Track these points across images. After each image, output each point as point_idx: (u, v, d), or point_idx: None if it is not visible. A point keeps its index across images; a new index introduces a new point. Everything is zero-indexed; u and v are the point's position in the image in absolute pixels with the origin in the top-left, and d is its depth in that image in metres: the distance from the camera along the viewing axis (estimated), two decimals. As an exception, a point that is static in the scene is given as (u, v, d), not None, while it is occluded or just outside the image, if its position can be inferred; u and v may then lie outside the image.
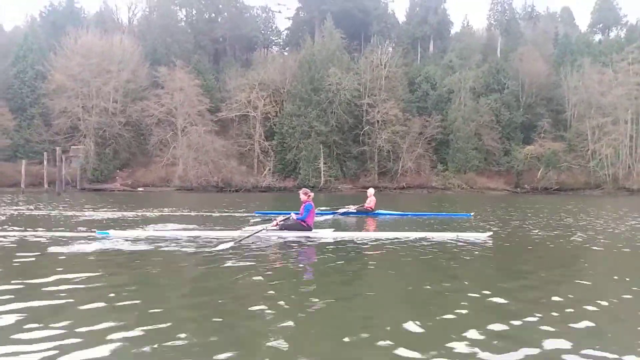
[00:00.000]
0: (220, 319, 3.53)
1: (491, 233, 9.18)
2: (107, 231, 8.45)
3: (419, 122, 55.86)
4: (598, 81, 52.37)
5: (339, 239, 8.36)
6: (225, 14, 74.95)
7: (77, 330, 3.20)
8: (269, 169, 54.23)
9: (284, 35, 79.46)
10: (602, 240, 8.74)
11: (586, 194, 47.85)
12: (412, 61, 70.60)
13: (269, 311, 3.71)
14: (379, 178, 55.47)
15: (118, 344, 2.96)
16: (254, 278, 5.00)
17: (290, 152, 54.67)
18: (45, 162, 41.62)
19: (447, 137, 57.10)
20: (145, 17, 71.02)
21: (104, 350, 2.85)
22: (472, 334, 3.20)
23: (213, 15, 75.37)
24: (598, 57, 59.60)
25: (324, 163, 53.04)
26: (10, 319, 3.44)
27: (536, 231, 10.51)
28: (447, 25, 70.20)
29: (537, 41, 70.84)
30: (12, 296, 4.08)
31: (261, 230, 8.61)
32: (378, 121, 54.92)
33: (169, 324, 3.35)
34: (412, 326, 3.35)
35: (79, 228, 9.87)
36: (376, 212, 15.01)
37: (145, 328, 3.25)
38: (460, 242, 8.12)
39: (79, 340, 3.01)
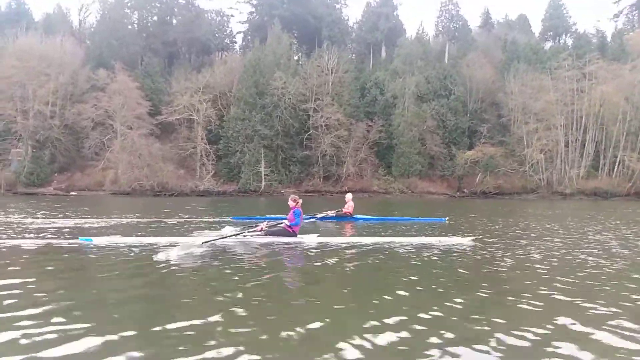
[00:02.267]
0: (189, 321, 3.65)
1: (472, 238, 9.36)
2: (90, 238, 8.52)
3: (362, 127, 56.11)
4: (537, 87, 53.21)
5: (322, 244, 8.56)
6: (180, 17, 74.55)
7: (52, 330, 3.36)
8: (210, 173, 53.87)
9: (240, 40, 79.49)
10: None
11: (521, 198, 48.43)
12: (366, 66, 71.21)
13: (240, 314, 3.89)
14: (323, 182, 55.59)
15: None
16: (228, 283, 5.22)
17: (234, 156, 54.44)
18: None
19: (392, 141, 57.46)
20: (95, 20, 70.32)
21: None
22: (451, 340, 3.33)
23: (167, 18, 74.85)
24: (544, 64, 60.58)
25: (266, 167, 52.95)
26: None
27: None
28: (399, 31, 70.82)
29: (490, 48, 72.00)
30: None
31: (241, 234, 8.73)
32: (321, 125, 55.08)
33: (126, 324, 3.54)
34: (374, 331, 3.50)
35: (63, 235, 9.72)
36: (354, 216, 15.09)
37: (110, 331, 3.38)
38: (442, 247, 8.42)
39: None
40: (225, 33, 76.55)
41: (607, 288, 5.14)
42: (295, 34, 78.51)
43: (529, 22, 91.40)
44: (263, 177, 52.10)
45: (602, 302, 4.48)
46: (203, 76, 57.68)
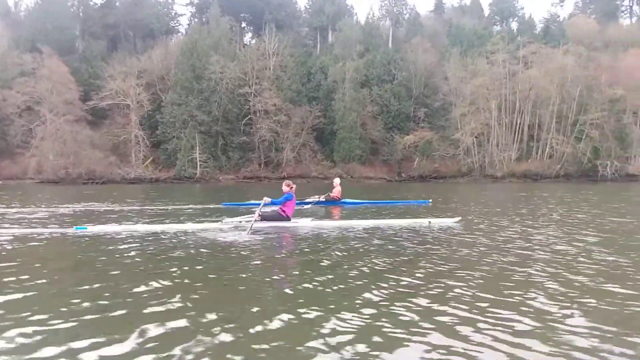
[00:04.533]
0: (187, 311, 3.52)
1: (459, 218, 9.66)
2: (85, 226, 8.47)
3: (300, 112, 55.61)
4: (472, 71, 53.58)
5: (316, 228, 8.69)
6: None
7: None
8: (147, 160, 52.94)
9: (187, 23, 77.71)
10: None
11: (454, 182, 49.01)
12: (314, 51, 70.64)
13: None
14: (263, 167, 55.18)
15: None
16: (223, 270, 5.09)
17: (171, 143, 53.51)
18: None
19: (333, 127, 57.24)
20: (32, 2, 67.65)
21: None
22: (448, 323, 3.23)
23: (108, 1, 72.52)
24: (487, 48, 60.87)
25: (202, 153, 52.21)
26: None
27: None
28: (347, 15, 70.21)
29: (439, 33, 72.11)
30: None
31: (247, 221, 8.70)
32: (260, 110, 54.44)
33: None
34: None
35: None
36: (342, 200, 15.46)
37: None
38: (432, 227, 8.64)
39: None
40: (169, 16, 74.69)
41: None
42: (245, 17, 77.35)
43: (481, 7, 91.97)
44: (198, 163, 51.38)
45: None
46: (138, 60, 56.26)
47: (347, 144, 55.84)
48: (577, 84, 49.95)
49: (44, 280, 4.54)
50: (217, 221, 9.21)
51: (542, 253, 5.99)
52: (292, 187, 9.63)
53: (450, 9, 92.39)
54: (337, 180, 16.10)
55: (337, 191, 15.51)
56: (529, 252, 6.02)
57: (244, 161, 55.46)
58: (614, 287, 4.20)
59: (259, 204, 9.20)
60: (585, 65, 51.46)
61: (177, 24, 76.14)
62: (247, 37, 76.81)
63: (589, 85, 50.68)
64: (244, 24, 76.74)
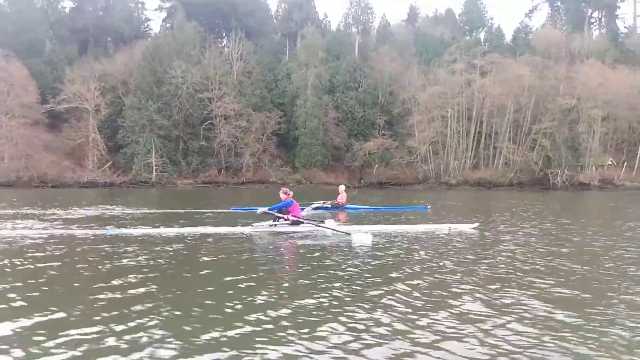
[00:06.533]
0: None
1: (477, 224, 10.22)
2: (118, 229, 9.14)
3: (261, 118, 55.64)
4: (432, 80, 54.02)
5: (337, 231, 9.17)
6: (91, 3, 72.40)
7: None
8: (106, 164, 52.77)
9: (159, 27, 77.69)
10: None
11: (410, 189, 49.11)
12: (283, 57, 70.89)
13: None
14: (224, 173, 55.14)
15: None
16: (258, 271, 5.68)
17: (130, 147, 53.41)
18: None
19: (296, 133, 57.34)
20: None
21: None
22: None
23: (78, 5, 72.52)
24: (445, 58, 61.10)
25: (160, 157, 52.16)
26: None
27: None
28: (316, 22, 70.51)
29: (409, 42, 72.49)
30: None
31: (274, 225, 9.42)
32: (220, 115, 54.51)
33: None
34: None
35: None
36: (346, 206, 15.99)
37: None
38: (452, 233, 9.27)
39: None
40: (139, 20, 74.75)
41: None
42: (217, 23, 77.52)
43: (455, 17, 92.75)
44: (154, 168, 51.28)
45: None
46: (101, 64, 56.23)
47: (308, 149, 56.03)
48: (533, 93, 50.47)
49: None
50: (247, 225, 9.68)
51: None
52: (289, 194, 9.95)
53: (425, 18, 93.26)
54: (342, 187, 16.60)
55: (342, 197, 16.02)
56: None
57: (203, 166, 55.34)
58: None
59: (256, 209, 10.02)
60: (541, 75, 52.03)
61: (147, 29, 76.11)
62: (224, 42, 77.06)
63: (544, 95, 51.19)
64: (216, 30, 76.85)
